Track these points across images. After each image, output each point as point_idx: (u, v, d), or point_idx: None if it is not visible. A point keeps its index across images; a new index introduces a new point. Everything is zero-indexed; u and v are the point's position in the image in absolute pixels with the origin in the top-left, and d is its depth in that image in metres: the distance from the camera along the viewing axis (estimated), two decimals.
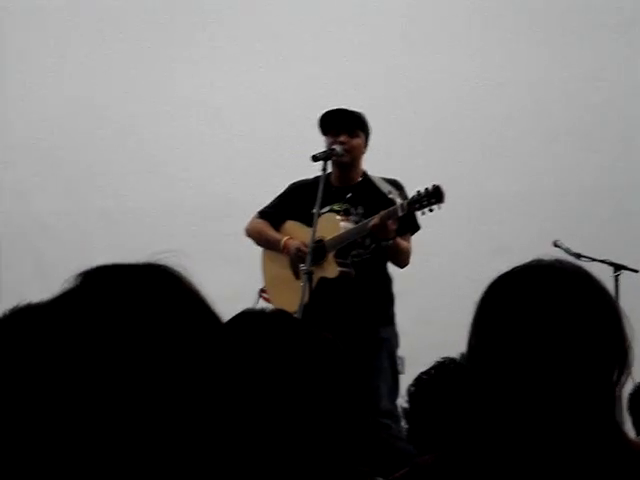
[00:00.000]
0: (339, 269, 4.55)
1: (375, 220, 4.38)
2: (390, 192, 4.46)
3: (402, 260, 4.62)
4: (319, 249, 4.54)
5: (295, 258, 4.64)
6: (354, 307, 4.57)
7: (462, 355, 2.17)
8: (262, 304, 4.64)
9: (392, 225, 4.39)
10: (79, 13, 6.82)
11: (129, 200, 6.68)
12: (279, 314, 1.68)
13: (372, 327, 4.56)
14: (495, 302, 1.45)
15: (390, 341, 4.60)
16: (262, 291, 4.82)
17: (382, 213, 4.37)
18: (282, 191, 4.87)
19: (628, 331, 1.39)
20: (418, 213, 4.45)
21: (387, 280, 4.70)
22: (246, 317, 1.62)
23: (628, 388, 3.04)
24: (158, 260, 1.20)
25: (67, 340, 1.13)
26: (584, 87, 6.31)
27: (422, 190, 4.32)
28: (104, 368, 1.11)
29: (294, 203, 4.73)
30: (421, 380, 2.33)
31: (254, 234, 4.89)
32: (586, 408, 1.39)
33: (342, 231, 4.56)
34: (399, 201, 4.37)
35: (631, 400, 3.07)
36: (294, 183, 4.85)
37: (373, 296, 4.60)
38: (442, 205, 4.30)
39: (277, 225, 4.82)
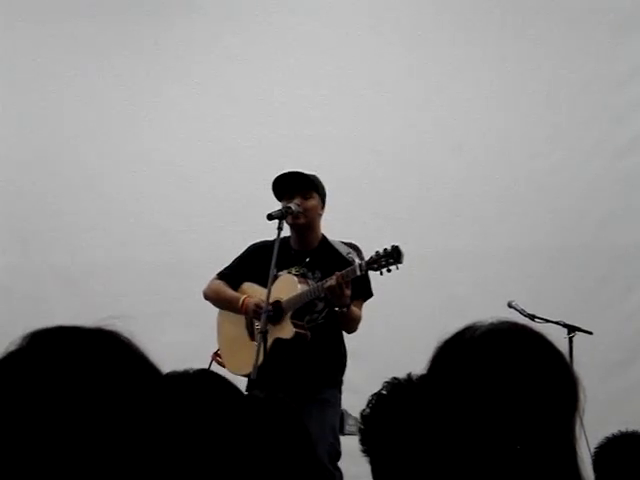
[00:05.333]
0: (295, 330, 4.54)
1: (331, 281, 4.37)
2: (349, 253, 4.49)
3: (352, 327, 4.63)
4: (276, 310, 4.54)
5: (253, 315, 4.61)
6: (304, 370, 4.55)
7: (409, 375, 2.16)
8: (215, 367, 4.58)
9: (347, 289, 4.38)
10: (39, 61, 6.82)
11: (84, 256, 6.63)
12: (203, 375, 1.66)
13: (316, 387, 4.54)
14: (447, 363, 1.45)
15: (330, 402, 4.54)
16: (216, 354, 4.76)
17: (339, 273, 4.37)
18: (241, 252, 4.87)
19: (581, 396, 1.40)
20: (376, 273, 4.45)
21: (340, 347, 4.69)
22: (168, 380, 1.61)
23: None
24: (107, 324, 1.20)
25: (4, 402, 1.12)
26: (541, 147, 6.38)
27: (381, 250, 4.34)
28: (37, 438, 1.11)
29: (253, 264, 4.71)
30: (373, 401, 2.30)
31: (212, 295, 4.85)
32: (545, 472, 1.39)
33: (299, 292, 4.56)
34: (357, 261, 4.38)
35: (596, 456, 3.08)
36: (254, 244, 4.84)
37: (324, 361, 4.59)
38: (400, 266, 4.31)
39: (235, 286, 4.80)
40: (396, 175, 6.41)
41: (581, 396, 1.41)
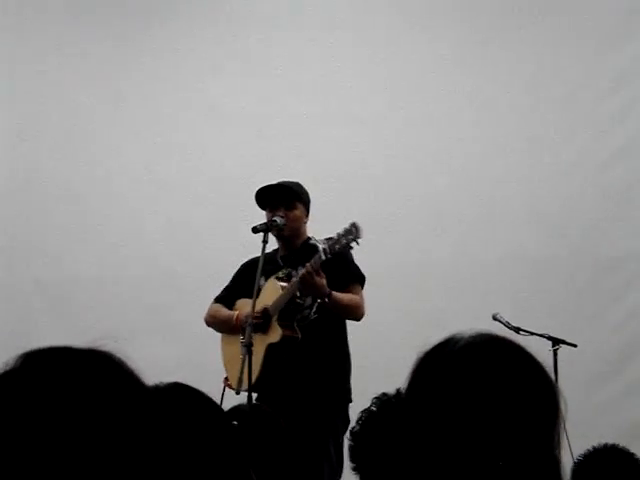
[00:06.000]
0: (281, 331, 4.54)
1: (302, 271, 4.42)
2: (317, 243, 4.52)
3: (350, 314, 4.61)
4: (265, 317, 4.55)
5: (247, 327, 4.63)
6: (305, 372, 4.54)
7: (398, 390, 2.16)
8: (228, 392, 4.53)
9: (320, 278, 4.40)
10: (25, 73, 6.82)
11: (66, 269, 6.61)
12: (174, 389, 1.66)
13: (322, 407, 4.52)
14: (427, 376, 1.45)
15: (338, 425, 4.48)
16: (226, 379, 4.73)
17: (308, 263, 4.41)
18: (234, 273, 4.88)
19: (562, 408, 1.40)
20: (357, 263, 4.57)
21: (341, 341, 4.66)
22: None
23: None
24: (100, 345, 1.20)
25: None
26: (524, 159, 6.39)
27: (341, 230, 4.37)
28: (30, 457, 1.11)
29: (245, 281, 4.71)
30: (362, 418, 2.29)
31: (210, 319, 4.88)
32: None
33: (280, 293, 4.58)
34: (321, 246, 4.42)
35: (575, 471, 3.09)
36: (245, 262, 4.86)
37: (325, 361, 4.58)
38: (360, 240, 4.34)
39: (232, 306, 4.82)
40: (377, 186, 6.41)
41: (563, 408, 1.41)
